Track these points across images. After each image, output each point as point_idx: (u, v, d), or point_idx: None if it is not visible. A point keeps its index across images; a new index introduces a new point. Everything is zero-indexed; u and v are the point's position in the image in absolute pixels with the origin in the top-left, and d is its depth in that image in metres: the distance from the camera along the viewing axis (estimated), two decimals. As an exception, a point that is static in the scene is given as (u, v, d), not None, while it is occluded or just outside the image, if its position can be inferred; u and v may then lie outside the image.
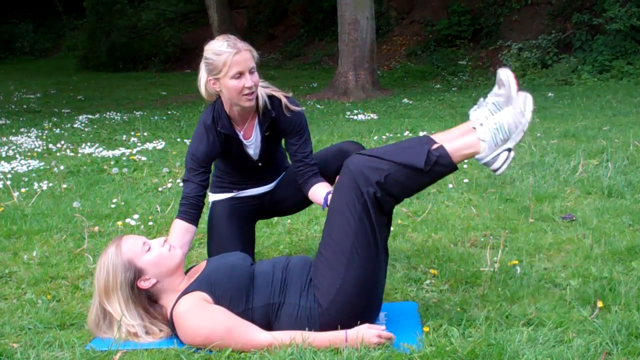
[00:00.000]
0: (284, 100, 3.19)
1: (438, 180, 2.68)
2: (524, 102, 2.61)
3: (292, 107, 3.20)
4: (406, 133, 7.57)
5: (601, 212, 4.11)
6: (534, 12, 15.20)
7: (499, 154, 2.61)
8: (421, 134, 7.39)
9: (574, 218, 4.02)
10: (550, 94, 10.65)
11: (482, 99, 2.74)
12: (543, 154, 5.86)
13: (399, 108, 10.37)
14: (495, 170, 2.63)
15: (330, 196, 2.89)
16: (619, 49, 12.65)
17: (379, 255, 2.61)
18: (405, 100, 11.26)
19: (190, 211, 3.10)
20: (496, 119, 2.61)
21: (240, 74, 2.99)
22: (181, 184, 3.52)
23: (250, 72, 3.01)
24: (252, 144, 3.26)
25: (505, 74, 2.67)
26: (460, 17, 16.46)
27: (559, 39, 13.78)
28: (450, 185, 4.95)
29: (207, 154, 3.16)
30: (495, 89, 2.71)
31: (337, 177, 2.73)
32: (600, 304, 2.73)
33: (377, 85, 12.61)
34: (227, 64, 2.97)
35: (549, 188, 4.72)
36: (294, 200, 3.41)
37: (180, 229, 3.06)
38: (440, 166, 2.56)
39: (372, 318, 2.64)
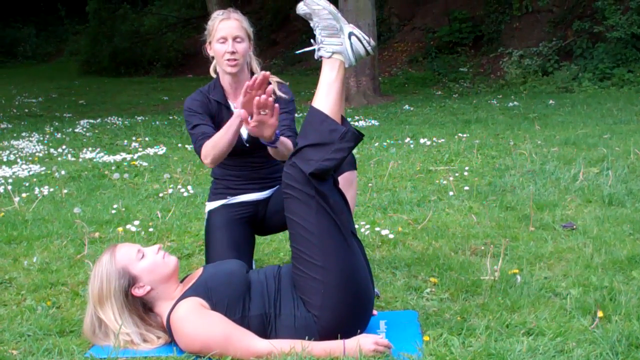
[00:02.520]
0: (274, 86, 3.30)
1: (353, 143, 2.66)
2: (310, 1, 2.74)
3: (280, 94, 3.32)
4: (407, 139, 7.56)
5: (602, 220, 4.10)
6: (535, 20, 15.23)
7: (351, 44, 2.68)
8: (422, 140, 7.39)
9: (574, 227, 4.01)
10: (551, 101, 10.66)
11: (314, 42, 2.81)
12: (544, 161, 5.86)
13: (400, 114, 10.38)
14: (367, 51, 2.71)
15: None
16: (619, 56, 12.67)
17: (349, 243, 2.60)
18: (407, 106, 11.28)
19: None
20: (318, 32, 2.73)
21: (224, 39, 3.22)
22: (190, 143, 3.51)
23: (235, 40, 3.22)
24: None
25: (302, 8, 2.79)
26: (462, 24, 16.48)
27: (560, 46, 13.81)
28: (451, 193, 4.94)
29: (202, 106, 3.30)
30: (312, 24, 2.80)
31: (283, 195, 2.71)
32: (600, 313, 2.72)
33: (378, 92, 12.63)
34: (215, 27, 3.24)
35: (550, 196, 4.71)
36: None
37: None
38: (348, 134, 2.60)
39: (367, 312, 2.64)
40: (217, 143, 3.12)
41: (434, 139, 7.52)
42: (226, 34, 3.20)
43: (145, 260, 2.67)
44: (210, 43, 3.28)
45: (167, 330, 2.59)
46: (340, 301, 2.53)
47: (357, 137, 2.64)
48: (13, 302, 3.20)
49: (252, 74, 3.34)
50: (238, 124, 3.05)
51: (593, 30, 13.17)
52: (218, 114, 3.31)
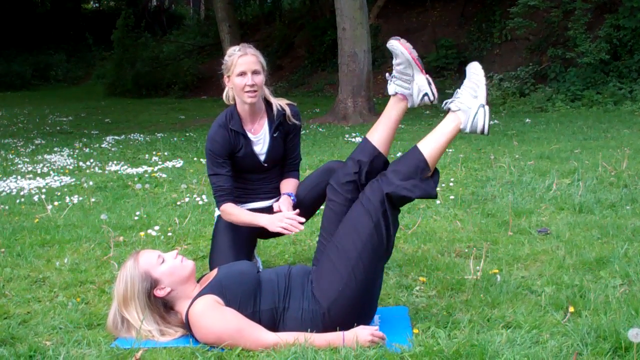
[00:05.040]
0: (288, 112, 3.37)
1: (430, 191, 2.71)
2: (473, 70, 2.78)
3: (293, 119, 3.40)
4: (398, 154, 7.56)
5: (573, 226, 4.11)
6: (514, 47, 15.26)
7: (476, 114, 2.68)
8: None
9: (548, 232, 4.02)
10: (527, 120, 10.66)
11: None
12: (521, 173, 5.86)
13: (392, 131, 10.36)
14: (482, 131, 2.69)
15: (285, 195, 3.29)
16: (589, 80, 12.68)
17: (382, 265, 2.64)
18: (398, 124, 11.26)
19: (231, 197, 3.27)
20: (460, 92, 2.76)
21: (243, 73, 3.18)
22: (206, 184, 3.56)
23: (253, 73, 3.19)
24: (261, 140, 3.34)
25: (393, 44, 2.85)
26: (447, 51, 16.52)
27: (536, 70, 13.82)
28: (438, 202, 4.95)
29: (223, 146, 3.26)
30: (394, 61, 2.90)
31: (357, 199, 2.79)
32: (571, 309, 2.73)
33: (373, 111, 12.63)
34: (234, 63, 3.19)
35: (526, 204, 4.72)
36: None
37: (237, 207, 3.27)
38: (430, 180, 2.70)
39: (369, 316, 2.64)
40: (236, 220, 3.24)
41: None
42: (245, 69, 3.17)
43: (165, 265, 2.68)
44: (229, 77, 3.24)
45: (186, 324, 2.60)
46: (351, 303, 2.55)
47: (431, 191, 2.67)
48: (46, 298, 3.22)
49: (266, 100, 3.35)
50: (257, 226, 3.18)
51: (565, 56, 13.19)
52: (236, 143, 3.30)
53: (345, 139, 9.69)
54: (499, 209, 4.62)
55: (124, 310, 2.64)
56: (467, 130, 2.71)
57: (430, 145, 2.71)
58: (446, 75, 16.14)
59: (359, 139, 9.53)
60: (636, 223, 4.08)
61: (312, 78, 19.40)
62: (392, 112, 2.93)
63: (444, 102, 2.79)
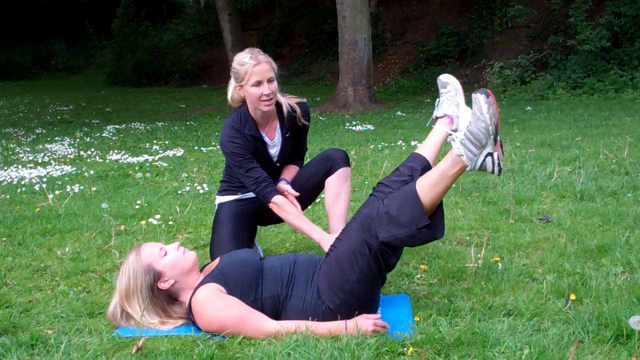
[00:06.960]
0: (298, 112, 3.35)
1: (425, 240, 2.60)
2: (478, 105, 2.44)
3: (303, 120, 3.37)
4: (399, 142, 7.56)
5: (574, 214, 4.10)
6: (514, 34, 15.21)
7: (484, 160, 2.50)
8: (413, 143, 7.37)
9: (549, 219, 4.01)
10: (528, 108, 10.64)
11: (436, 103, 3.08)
12: (522, 161, 5.85)
13: (393, 120, 10.37)
14: (493, 172, 2.53)
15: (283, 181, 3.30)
16: (590, 67, 12.64)
17: (381, 282, 2.64)
18: (399, 112, 11.26)
19: (275, 186, 3.23)
20: (464, 131, 2.51)
21: (259, 83, 3.10)
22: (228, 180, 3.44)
23: (269, 81, 3.11)
24: (276, 144, 3.33)
25: (445, 77, 3.05)
26: (448, 39, 16.46)
27: (537, 58, 13.78)
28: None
29: (245, 147, 3.20)
30: (443, 90, 3.04)
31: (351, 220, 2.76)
32: (573, 296, 2.72)
33: (373, 100, 12.61)
34: (248, 73, 3.09)
35: (528, 192, 4.71)
36: None
37: (292, 205, 3.19)
38: (425, 231, 2.51)
39: (372, 310, 2.63)
40: (290, 220, 3.18)
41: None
42: (261, 78, 3.08)
43: (167, 257, 2.68)
44: (241, 86, 3.14)
45: (188, 313, 2.60)
46: (351, 310, 2.53)
47: (431, 238, 2.53)
48: (48, 287, 3.21)
49: (276, 102, 3.27)
50: (307, 235, 3.14)
51: (566, 44, 13.15)
52: (254, 146, 3.25)
53: (346, 127, 9.67)
54: (500, 197, 4.61)
55: (126, 304, 2.64)
56: (476, 170, 2.55)
57: (431, 190, 2.51)
58: (447, 63, 16.11)
59: (359, 127, 9.52)
60: (637, 210, 4.07)
61: (312, 66, 19.35)
62: (438, 132, 3.04)
63: (449, 137, 2.60)
